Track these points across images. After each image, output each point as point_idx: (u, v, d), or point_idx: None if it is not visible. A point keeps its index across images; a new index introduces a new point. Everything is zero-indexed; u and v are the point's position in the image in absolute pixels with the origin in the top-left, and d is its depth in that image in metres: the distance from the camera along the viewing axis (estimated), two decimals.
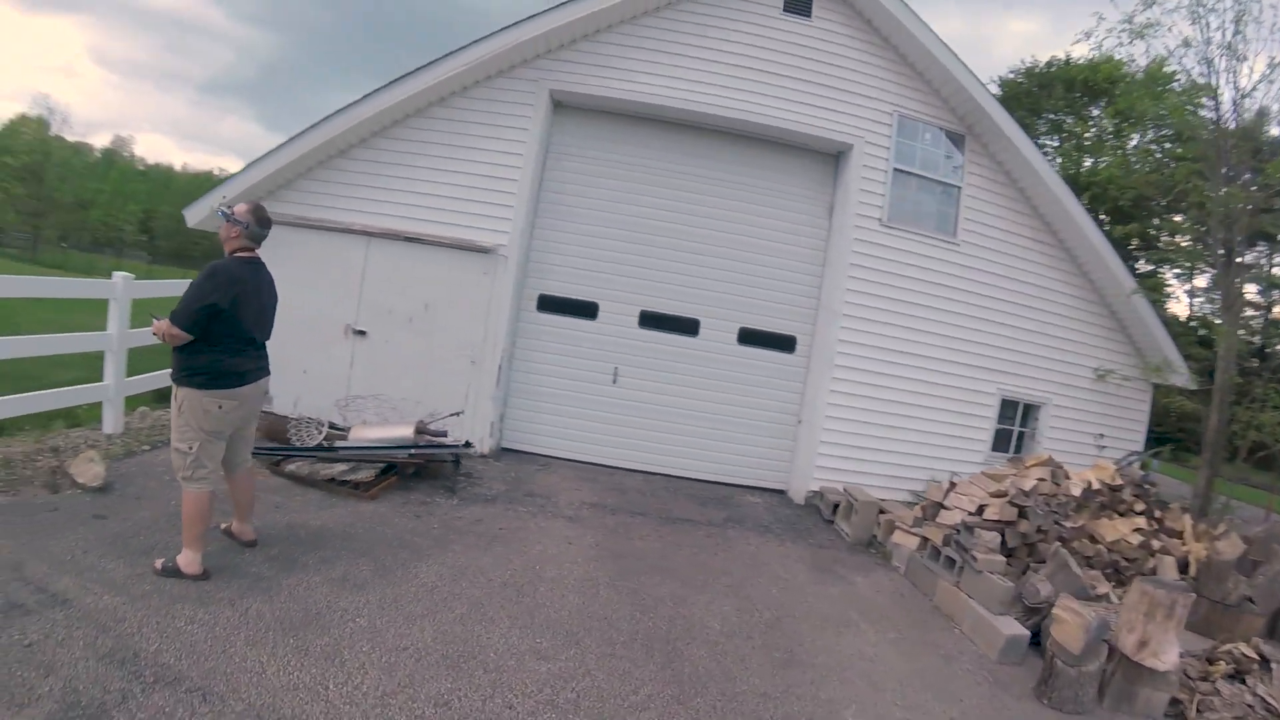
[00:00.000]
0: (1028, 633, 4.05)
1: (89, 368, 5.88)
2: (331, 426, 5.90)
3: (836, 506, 6.11)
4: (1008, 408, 7.42)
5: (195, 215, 6.48)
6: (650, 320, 7.09)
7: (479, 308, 6.62)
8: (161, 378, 5.99)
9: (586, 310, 7.07)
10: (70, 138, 47.58)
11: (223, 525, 3.93)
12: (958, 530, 4.57)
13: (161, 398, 6.43)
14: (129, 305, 5.45)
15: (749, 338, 7.14)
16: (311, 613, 3.36)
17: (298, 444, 5.61)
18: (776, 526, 6.02)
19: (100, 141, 60.08)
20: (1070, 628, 3.66)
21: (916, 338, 6.98)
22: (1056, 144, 20.38)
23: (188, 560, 3.40)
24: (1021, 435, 7.56)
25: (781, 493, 7.10)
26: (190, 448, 3.39)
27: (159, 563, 3.41)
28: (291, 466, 5.15)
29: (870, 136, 6.86)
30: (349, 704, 2.75)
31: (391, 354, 6.65)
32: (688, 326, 7.10)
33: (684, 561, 4.88)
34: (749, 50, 6.75)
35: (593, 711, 2.97)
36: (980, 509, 4.79)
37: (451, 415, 6.16)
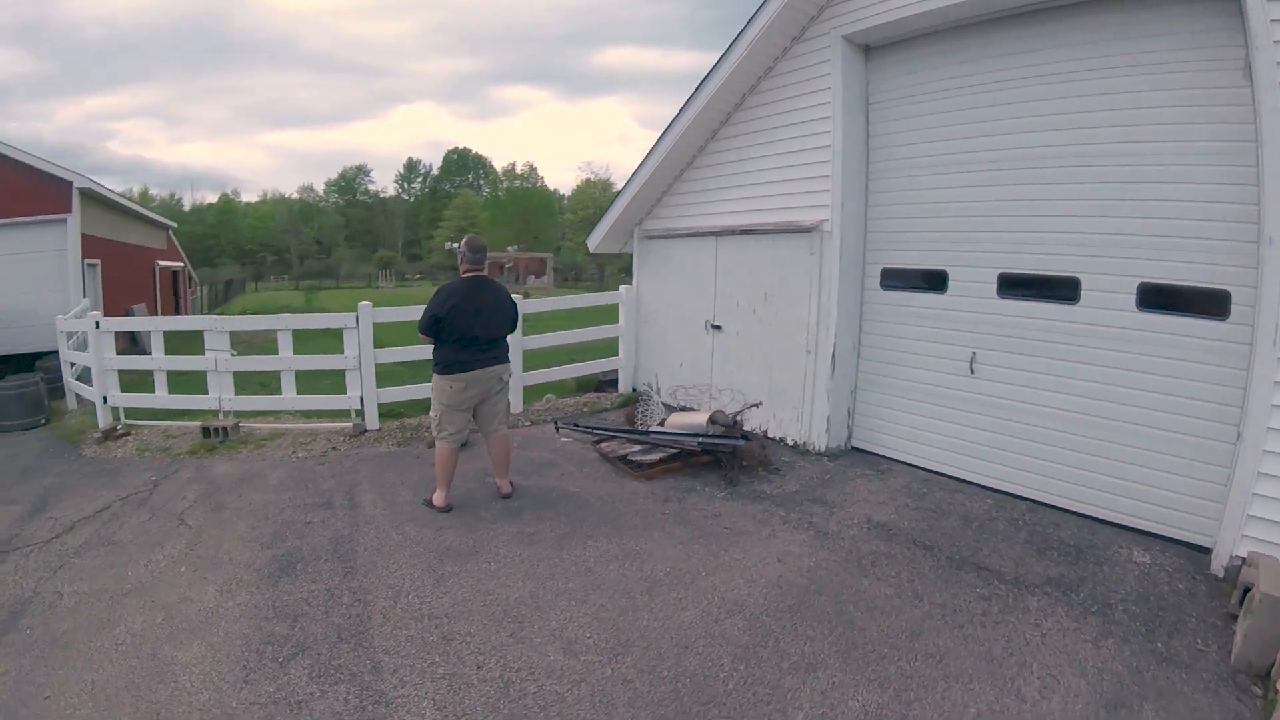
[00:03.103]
0: None
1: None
2: (668, 409, 6.66)
3: (1247, 592, 3.01)
4: None
5: (593, 242, 8.34)
6: (1012, 285, 5.02)
7: (809, 292, 6.18)
8: (552, 374, 7.98)
9: (933, 281, 5.57)
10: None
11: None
12: None
13: (551, 389, 8.45)
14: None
15: (1156, 298, 4.15)
16: (472, 550, 4.28)
17: (641, 427, 6.60)
18: (1124, 609, 3.38)
19: None
20: None
21: None
22: None
23: (437, 496, 4.88)
24: None
25: (1201, 551, 3.84)
26: (437, 415, 4.84)
27: (424, 497, 4.97)
28: (604, 445, 6.18)
29: None
30: (403, 610, 3.59)
31: (742, 346, 6.91)
32: (1063, 289, 4.68)
33: (893, 627, 3.41)
34: None
35: (528, 708, 2.85)
36: None
37: (751, 406, 6.01)
